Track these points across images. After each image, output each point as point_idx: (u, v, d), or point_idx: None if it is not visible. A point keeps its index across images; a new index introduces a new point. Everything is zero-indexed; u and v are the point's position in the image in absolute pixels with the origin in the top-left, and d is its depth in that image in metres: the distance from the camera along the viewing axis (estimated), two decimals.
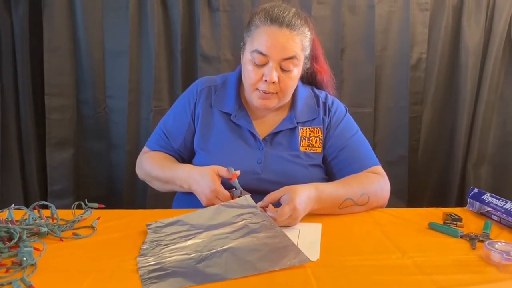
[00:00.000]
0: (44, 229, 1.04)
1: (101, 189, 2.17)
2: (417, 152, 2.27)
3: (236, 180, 1.23)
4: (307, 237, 1.09)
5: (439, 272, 0.91)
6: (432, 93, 2.22)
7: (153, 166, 1.43)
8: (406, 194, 2.21)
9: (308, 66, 1.42)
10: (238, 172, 1.24)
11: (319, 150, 1.41)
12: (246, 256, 0.96)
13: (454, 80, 2.18)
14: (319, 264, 0.94)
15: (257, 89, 1.33)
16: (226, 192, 1.23)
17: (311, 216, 1.20)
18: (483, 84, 2.15)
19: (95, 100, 2.09)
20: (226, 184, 1.24)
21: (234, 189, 1.23)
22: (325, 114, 1.43)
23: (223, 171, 1.25)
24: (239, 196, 1.21)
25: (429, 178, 2.31)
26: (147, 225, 1.13)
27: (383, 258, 0.98)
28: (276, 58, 1.28)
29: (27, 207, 1.13)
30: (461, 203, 2.21)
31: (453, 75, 2.18)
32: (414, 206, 2.16)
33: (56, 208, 1.17)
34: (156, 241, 1.05)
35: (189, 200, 1.32)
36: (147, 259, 0.96)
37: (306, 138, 1.40)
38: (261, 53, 1.28)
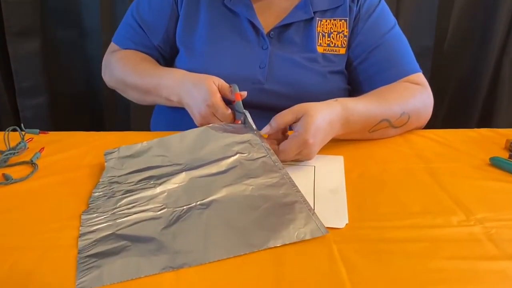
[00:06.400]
0: None
1: (78, 85, 1.87)
2: (444, 44, 1.91)
3: (240, 103, 0.92)
4: (326, 181, 0.79)
5: None
6: None
7: (128, 70, 1.09)
8: None
9: None
10: (244, 93, 0.93)
11: (343, 51, 1.06)
12: (236, 220, 0.67)
13: None
14: (347, 238, 0.64)
15: None
16: (228, 111, 0.92)
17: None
18: None
19: None
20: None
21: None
22: (352, 0, 1.06)
23: (224, 87, 0.93)
24: (242, 122, 0.91)
25: (453, 76, 1.96)
26: (106, 154, 0.83)
27: (439, 224, 0.67)
28: None
29: None
30: (491, 103, 1.90)
31: None
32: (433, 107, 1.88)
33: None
34: (113, 183, 0.76)
35: (174, 115, 1.04)
36: (94, 219, 0.67)
37: (326, 35, 1.05)
38: None
